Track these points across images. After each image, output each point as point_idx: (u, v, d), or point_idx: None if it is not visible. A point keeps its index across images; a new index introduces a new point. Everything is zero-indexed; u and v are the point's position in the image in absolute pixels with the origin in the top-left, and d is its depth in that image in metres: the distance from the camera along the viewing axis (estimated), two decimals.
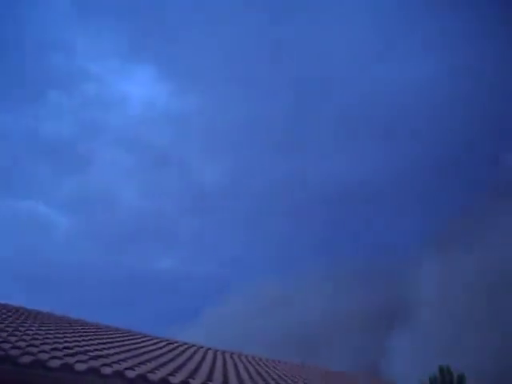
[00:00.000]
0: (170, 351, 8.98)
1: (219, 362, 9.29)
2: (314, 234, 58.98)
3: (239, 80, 63.03)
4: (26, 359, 4.51)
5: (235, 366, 9.45)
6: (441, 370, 16.38)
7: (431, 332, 33.15)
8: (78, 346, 6.29)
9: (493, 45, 52.18)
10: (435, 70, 55.65)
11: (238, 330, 42.02)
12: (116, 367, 5.24)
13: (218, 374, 7.56)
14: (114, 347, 7.26)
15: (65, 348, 5.79)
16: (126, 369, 5.31)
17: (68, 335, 7.39)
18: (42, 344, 5.63)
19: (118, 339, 8.80)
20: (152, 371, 5.76)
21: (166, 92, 73.21)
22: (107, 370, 4.93)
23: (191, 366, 7.65)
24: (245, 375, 8.30)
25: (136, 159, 66.26)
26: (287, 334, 40.99)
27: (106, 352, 6.37)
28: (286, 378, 9.30)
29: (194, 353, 9.75)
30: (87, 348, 6.33)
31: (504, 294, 32.65)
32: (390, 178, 55.46)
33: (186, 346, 10.63)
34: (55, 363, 4.63)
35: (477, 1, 52.48)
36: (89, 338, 7.80)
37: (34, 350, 5.01)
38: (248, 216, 62.27)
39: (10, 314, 8.51)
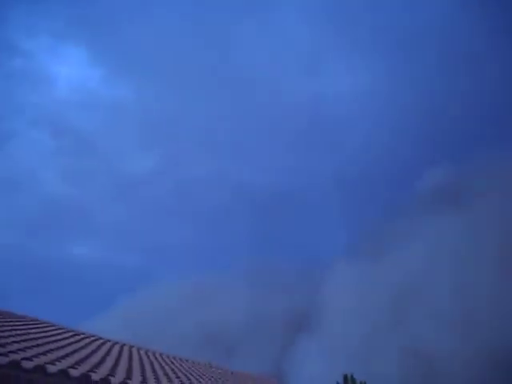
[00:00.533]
0: (75, 343, 8.81)
1: (125, 357, 9.25)
2: (239, 234, 59.88)
3: (175, 73, 62.29)
4: None
5: (140, 361, 9.46)
6: (345, 378, 17.14)
7: (341, 338, 34.74)
8: None
9: (414, 65, 56.08)
10: (357, 84, 58.81)
11: (155, 322, 41.56)
12: (13, 357, 5.12)
13: (121, 369, 7.56)
14: (13, 335, 7.02)
15: None
16: (23, 359, 5.21)
17: None
18: None
19: (21, 328, 8.48)
20: (52, 362, 5.68)
21: (98, 77, 70.12)
22: (3, 360, 4.82)
23: (95, 359, 7.57)
24: (149, 371, 8.36)
25: (60, 142, 63.12)
26: (205, 332, 41.19)
27: (3, 341, 6.16)
28: (190, 377, 9.46)
29: (100, 346, 9.62)
30: None
31: (408, 302, 35.12)
32: (316, 189, 57.69)
33: (92, 339, 10.45)
34: None
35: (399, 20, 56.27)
36: None
37: None
38: (174, 208, 61.62)
39: None
